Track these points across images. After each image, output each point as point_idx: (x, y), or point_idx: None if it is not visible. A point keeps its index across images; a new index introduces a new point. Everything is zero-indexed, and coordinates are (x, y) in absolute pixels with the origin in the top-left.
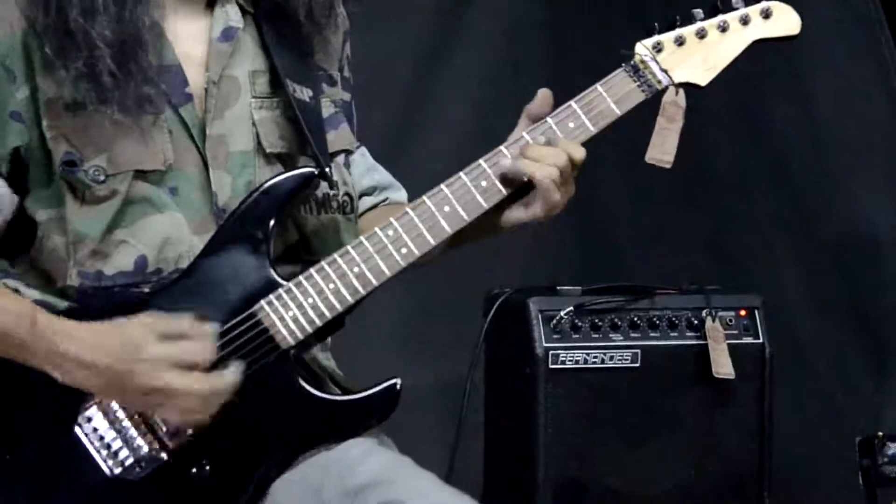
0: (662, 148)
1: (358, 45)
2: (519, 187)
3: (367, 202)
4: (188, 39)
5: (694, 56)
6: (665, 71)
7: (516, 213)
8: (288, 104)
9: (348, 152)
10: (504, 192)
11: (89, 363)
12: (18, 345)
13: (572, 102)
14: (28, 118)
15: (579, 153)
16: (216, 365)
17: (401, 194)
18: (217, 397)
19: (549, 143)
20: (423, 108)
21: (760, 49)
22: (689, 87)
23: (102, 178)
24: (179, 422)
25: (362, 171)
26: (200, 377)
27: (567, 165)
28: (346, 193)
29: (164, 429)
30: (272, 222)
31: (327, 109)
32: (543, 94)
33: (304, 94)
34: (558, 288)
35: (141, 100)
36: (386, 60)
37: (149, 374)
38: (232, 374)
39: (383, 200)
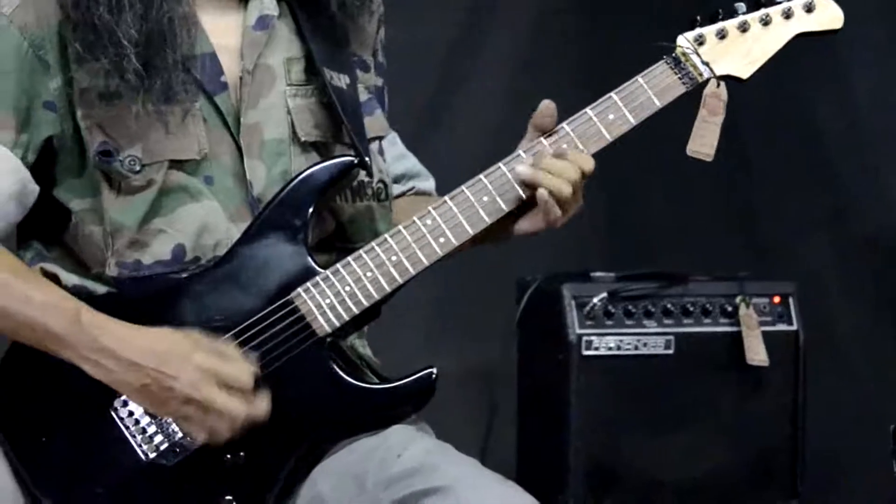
0: (703, 141)
1: (389, 32)
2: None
3: (393, 190)
4: (223, 28)
5: (736, 49)
6: (707, 63)
7: (522, 226)
8: (323, 91)
9: (381, 139)
10: (524, 196)
11: (135, 364)
12: (56, 338)
13: (612, 94)
14: (61, 108)
15: (589, 165)
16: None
17: (428, 183)
18: (246, 423)
19: (560, 154)
20: (455, 95)
21: (800, 40)
22: (730, 80)
23: (138, 168)
24: (201, 438)
25: (392, 157)
26: (240, 400)
27: (578, 179)
28: (381, 180)
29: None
30: (311, 210)
31: (362, 95)
32: (547, 107)
33: (342, 81)
34: (592, 274)
35: (172, 91)
36: (417, 48)
37: (194, 383)
38: (264, 404)
39: (410, 189)
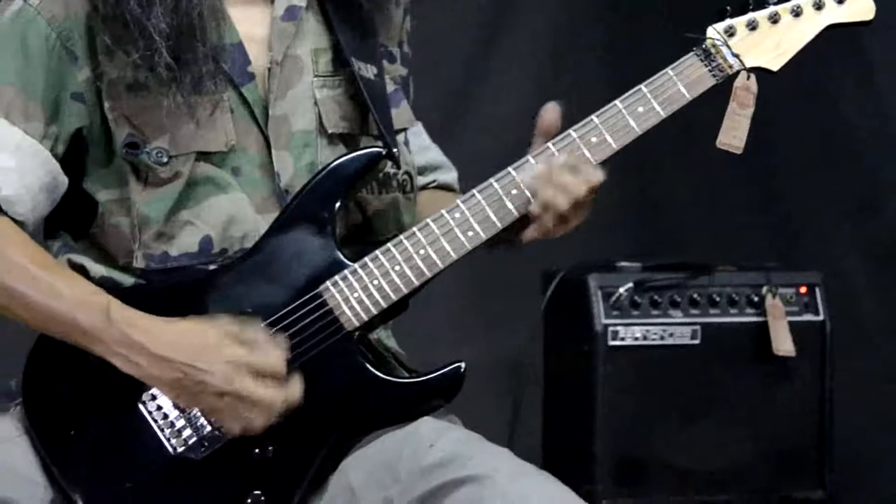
0: (734, 133)
1: (413, 23)
2: None
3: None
4: (251, 19)
5: (766, 41)
6: (737, 55)
7: (528, 235)
8: (350, 83)
9: (407, 131)
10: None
11: (166, 359)
12: (86, 332)
13: (642, 86)
14: (90, 99)
15: (598, 178)
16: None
17: (451, 175)
18: (281, 409)
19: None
20: (479, 86)
21: (829, 31)
22: (760, 72)
23: (165, 159)
24: (236, 430)
25: (416, 149)
26: (274, 387)
27: (582, 194)
28: (406, 172)
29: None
30: (338, 202)
31: (389, 87)
32: (549, 110)
33: (370, 71)
34: (618, 264)
35: (201, 83)
36: (441, 39)
37: (227, 376)
38: (297, 387)
39: (431, 182)
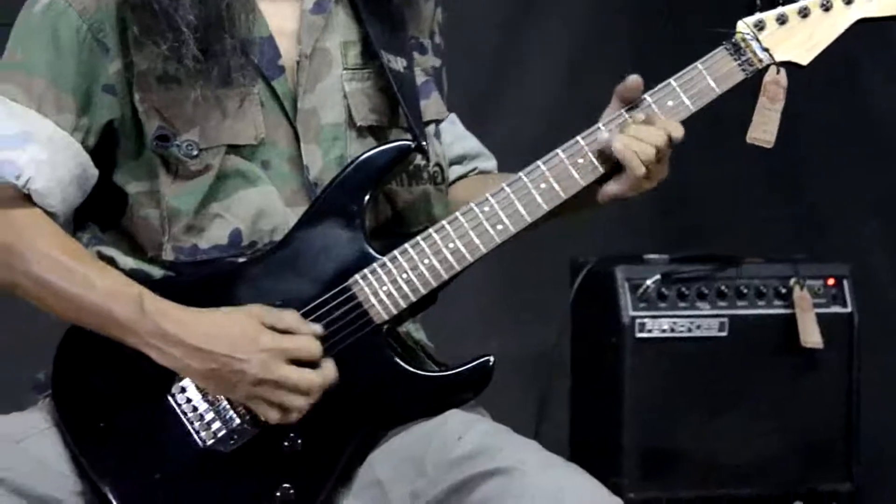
0: (764, 128)
1: (445, 12)
2: (616, 164)
3: (455, 171)
4: (280, 12)
5: (796, 35)
6: (766, 50)
7: (608, 190)
8: (380, 75)
9: (438, 122)
10: (601, 169)
11: (201, 350)
12: (120, 324)
13: (671, 80)
14: (120, 91)
15: (678, 131)
16: None
17: (490, 163)
18: (319, 394)
19: (648, 120)
20: (509, 77)
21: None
22: (790, 66)
23: (195, 152)
24: (276, 416)
25: (452, 138)
26: (312, 371)
27: (665, 145)
28: (437, 164)
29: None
30: (368, 195)
31: (419, 78)
32: (634, 80)
33: (399, 64)
34: (645, 256)
35: (229, 75)
36: (471, 30)
37: (264, 365)
38: (332, 370)
39: (472, 170)
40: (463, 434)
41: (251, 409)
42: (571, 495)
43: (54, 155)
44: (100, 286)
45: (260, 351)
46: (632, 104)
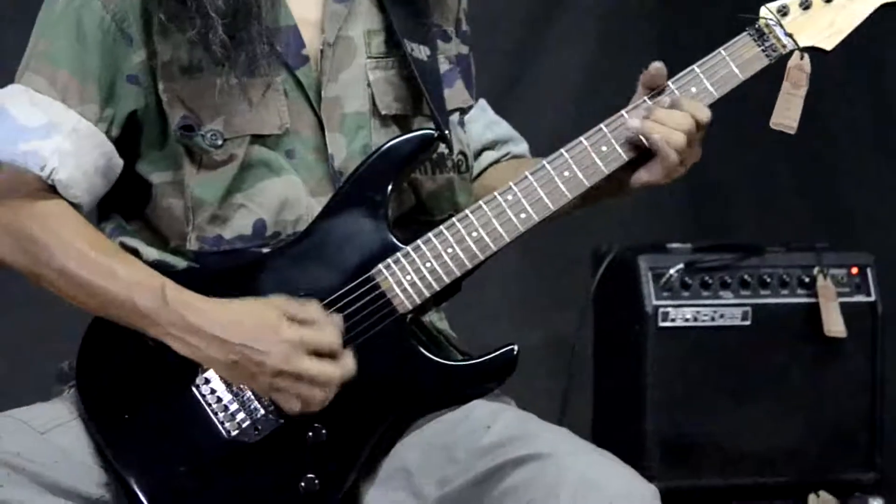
0: (787, 114)
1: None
2: (642, 151)
3: (489, 157)
4: (305, 2)
5: (819, 20)
6: (790, 35)
7: (640, 177)
8: (403, 63)
9: (462, 111)
10: (625, 157)
11: (223, 340)
12: (143, 315)
13: (695, 67)
14: (144, 81)
15: (705, 115)
16: None
17: (522, 147)
18: (338, 385)
19: (673, 105)
20: (532, 67)
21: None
22: (813, 52)
23: (220, 142)
24: (296, 408)
25: (483, 125)
26: (332, 364)
27: (693, 128)
28: (461, 152)
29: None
30: (391, 185)
31: (443, 67)
32: (657, 67)
33: (422, 52)
34: (668, 245)
35: (255, 64)
36: (494, 20)
37: (285, 356)
38: (351, 363)
39: (505, 154)
40: (491, 423)
41: (273, 399)
42: (608, 481)
43: (79, 145)
44: (123, 277)
45: (281, 342)
46: (655, 91)
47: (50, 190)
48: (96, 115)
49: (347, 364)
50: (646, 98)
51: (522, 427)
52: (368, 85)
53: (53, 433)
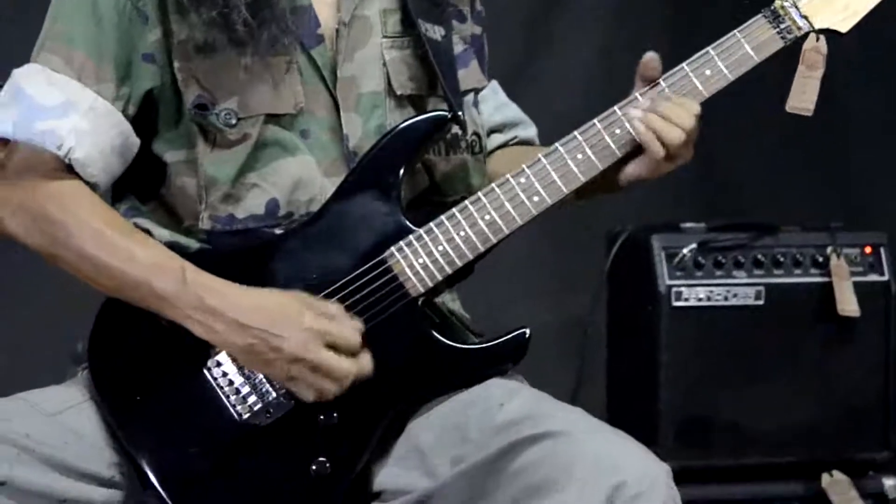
0: (803, 97)
1: None
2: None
3: (496, 139)
4: None
5: (835, 2)
6: (805, 17)
7: (629, 170)
8: (418, 43)
9: (476, 91)
10: (639, 140)
11: (242, 324)
12: (161, 297)
13: (710, 49)
14: (160, 60)
15: (697, 108)
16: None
17: (530, 131)
18: (352, 381)
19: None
20: (543, 52)
21: None
22: (829, 34)
23: (234, 121)
24: (311, 396)
25: (493, 106)
26: (349, 360)
27: (692, 125)
28: (475, 133)
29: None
30: (404, 166)
31: (457, 47)
32: (650, 58)
33: (436, 33)
34: (681, 225)
35: (273, 43)
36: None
37: (303, 344)
38: (368, 363)
39: (512, 138)
40: (506, 401)
41: (288, 388)
42: (623, 460)
43: (96, 124)
44: (142, 259)
45: (300, 330)
46: (669, 74)
47: (67, 170)
48: (113, 94)
49: (364, 362)
50: (661, 81)
51: (537, 406)
52: (384, 64)
53: (65, 415)
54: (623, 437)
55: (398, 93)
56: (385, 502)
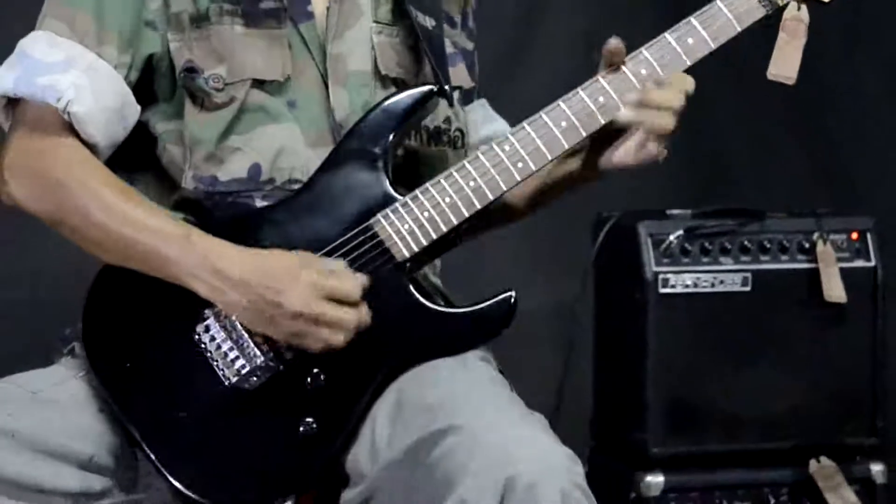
0: (784, 64)
1: None
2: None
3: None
4: None
5: None
6: None
7: (614, 156)
8: (409, 33)
9: (463, 91)
10: (621, 107)
11: (244, 282)
12: (164, 259)
13: (692, 18)
14: (161, 27)
15: (691, 85)
16: None
17: None
18: (355, 332)
19: (658, 82)
20: (529, 41)
21: None
22: (811, 3)
23: (221, 86)
24: (319, 347)
25: (481, 119)
26: (350, 310)
27: (683, 104)
28: (458, 129)
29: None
30: (391, 137)
31: (448, 48)
32: (615, 46)
33: (428, 22)
34: (668, 212)
35: (265, 16)
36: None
37: (304, 299)
38: (367, 312)
39: None
40: (439, 383)
41: (289, 344)
42: (518, 451)
43: (95, 82)
44: (150, 226)
45: (300, 285)
46: (650, 44)
47: (69, 131)
48: (114, 58)
49: (363, 313)
50: (643, 50)
51: (452, 395)
52: (372, 47)
53: (47, 392)
54: (531, 428)
55: (384, 73)
56: (350, 488)
